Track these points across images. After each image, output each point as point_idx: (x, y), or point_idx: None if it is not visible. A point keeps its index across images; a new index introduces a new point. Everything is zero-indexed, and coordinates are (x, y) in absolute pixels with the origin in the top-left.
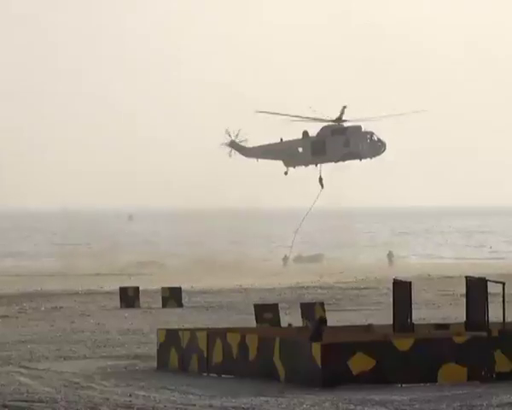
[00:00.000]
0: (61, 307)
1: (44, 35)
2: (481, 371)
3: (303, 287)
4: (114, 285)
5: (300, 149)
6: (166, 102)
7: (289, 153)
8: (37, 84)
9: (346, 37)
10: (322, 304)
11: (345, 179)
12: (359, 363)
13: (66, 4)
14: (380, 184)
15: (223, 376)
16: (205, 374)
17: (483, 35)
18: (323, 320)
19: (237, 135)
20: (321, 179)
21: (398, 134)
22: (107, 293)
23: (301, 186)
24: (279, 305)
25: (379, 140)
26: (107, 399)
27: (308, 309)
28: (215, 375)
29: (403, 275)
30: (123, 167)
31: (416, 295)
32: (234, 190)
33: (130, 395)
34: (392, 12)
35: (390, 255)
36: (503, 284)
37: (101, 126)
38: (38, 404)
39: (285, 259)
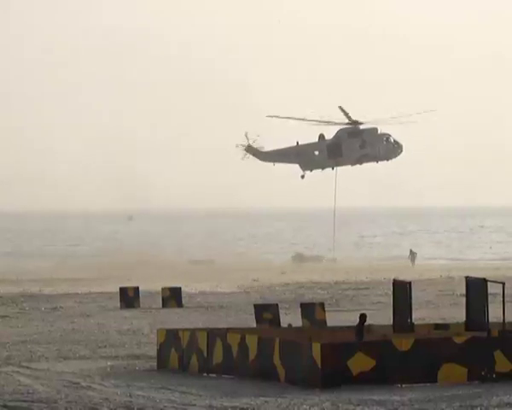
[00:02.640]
0: (61, 308)
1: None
2: (481, 372)
3: (303, 287)
4: (114, 285)
5: (317, 153)
6: (176, 102)
7: (306, 156)
8: (35, 83)
9: (356, 38)
10: (322, 304)
11: (356, 179)
12: (359, 363)
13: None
14: (388, 184)
15: (223, 376)
16: (205, 374)
17: (492, 34)
18: (364, 317)
19: (255, 141)
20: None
21: (413, 136)
22: (107, 293)
23: (318, 189)
24: (279, 305)
25: (395, 142)
26: (107, 399)
27: (308, 309)
28: (215, 375)
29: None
30: (121, 168)
31: (416, 296)
32: (248, 192)
33: (130, 396)
34: (397, 13)
35: (412, 254)
36: (503, 284)
37: (99, 127)
38: (38, 404)
39: (295, 257)
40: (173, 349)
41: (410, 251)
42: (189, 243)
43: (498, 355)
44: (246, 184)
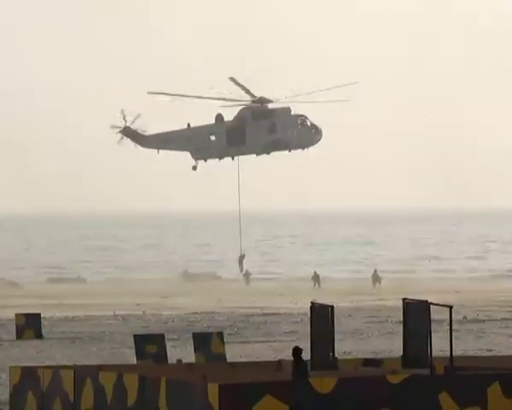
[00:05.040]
0: None
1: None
2: None
3: (196, 312)
4: None
5: (213, 138)
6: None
7: (199, 142)
8: None
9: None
10: (220, 334)
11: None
12: (268, 409)
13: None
14: (305, 181)
15: None
16: None
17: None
18: (298, 351)
19: (133, 121)
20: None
21: (337, 118)
22: None
23: (213, 185)
24: (166, 336)
25: (313, 126)
26: None
27: (203, 341)
28: None
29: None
30: None
31: (341, 323)
32: (123, 188)
33: None
34: None
35: (375, 276)
36: (451, 308)
37: None
38: None
39: (183, 274)
40: (30, 392)
41: (374, 271)
42: (45, 257)
43: (444, 399)
44: (122, 174)
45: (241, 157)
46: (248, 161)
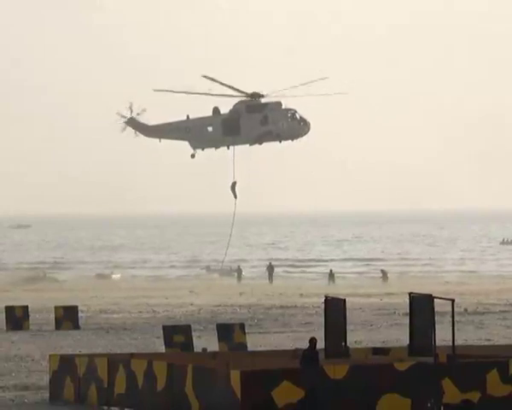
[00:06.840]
0: None
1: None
2: (427, 403)
3: (219, 305)
4: None
5: (210, 128)
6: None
7: (197, 132)
8: None
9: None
10: (242, 325)
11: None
12: (285, 394)
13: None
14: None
15: (126, 409)
16: (105, 407)
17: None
18: (314, 341)
19: (132, 110)
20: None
21: (325, 113)
22: None
23: (210, 172)
24: (192, 326)
25: (302, 119)
26: None
27: (226, 331)
28: (117, 409)
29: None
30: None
31: (352, 315)
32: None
33: None
34: None
35: (384, 273)
36: (453, 301)
37: None
38: None
39: (205, 269)
40: (68, 378)
41: (382, 270)
42: (87, 253)
43: (447, 384)
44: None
45: (236, 147)
46: (242, 150)
